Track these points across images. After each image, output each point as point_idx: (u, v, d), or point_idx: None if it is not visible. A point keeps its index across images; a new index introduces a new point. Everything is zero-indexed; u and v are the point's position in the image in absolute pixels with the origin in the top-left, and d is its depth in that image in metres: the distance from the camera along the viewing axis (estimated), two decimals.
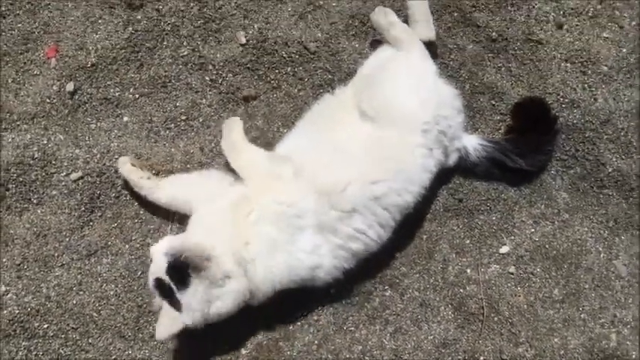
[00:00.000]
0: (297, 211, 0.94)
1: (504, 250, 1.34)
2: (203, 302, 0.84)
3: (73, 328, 1.08)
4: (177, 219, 1.00)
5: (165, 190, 1.05)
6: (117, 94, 1.22)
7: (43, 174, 1.13)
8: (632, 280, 1.27)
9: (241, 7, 1.27)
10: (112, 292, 1.09)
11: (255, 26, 1.29)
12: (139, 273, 1.10)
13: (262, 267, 0.94)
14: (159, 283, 0.84)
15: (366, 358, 1.19)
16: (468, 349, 1.24)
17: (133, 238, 1.12)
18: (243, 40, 1.28)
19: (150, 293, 0.90)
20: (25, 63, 1.17)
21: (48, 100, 1.15)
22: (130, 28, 1.23)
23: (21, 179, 1.12)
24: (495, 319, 1.25)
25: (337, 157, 0.98)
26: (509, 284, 1.29)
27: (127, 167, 1.08)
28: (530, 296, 1.28)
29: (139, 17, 1.24)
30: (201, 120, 1.25)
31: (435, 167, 1.07)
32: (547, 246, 1.30)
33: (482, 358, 1.25)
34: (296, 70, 1.29)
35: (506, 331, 1.26)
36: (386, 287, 1.23)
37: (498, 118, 1.31)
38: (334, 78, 1.23)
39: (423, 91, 1.03)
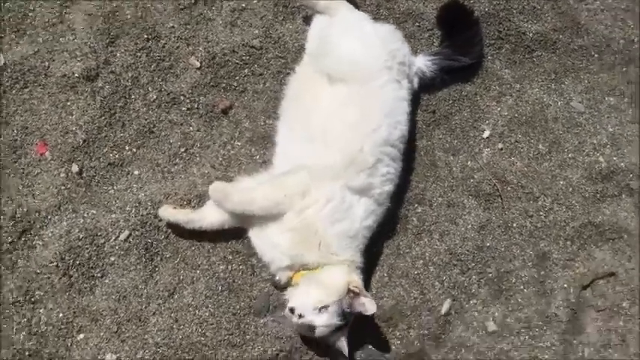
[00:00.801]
0: (337, 199, 1.92)
1: (486, 134, 2.67)
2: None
3: (190, 359, 2.13)
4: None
5: (214, 215, 1.98)
6: (116, 156, 2.11)
7: (95, 248, 1.97)
8: (591, 111, 2.74)
9: (180, 37, 2.37)
10: (206, 314, 1.88)
11: (201, 48, 2.40)
12: (220, 287, 1.97)
13: (350, 255, 1.99)
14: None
15: (430, 267, 2.42)
16: (501, 223, 2.51)
17: (199, 263, 1.95)
18: (198, 64, 2.40)
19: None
20: (24, 168, 1.93)
21: (63, 188, 1.95)
22: (98, 97, 2.14)
23: (78, 262, 1.94)
24: (509, 189, 2.57)
25: (335, 129, 1.95)
26: (504, 158, 2.61)
27: (169, 212, 1.96)
28: (524, 159, 2.62)
29: (100, 84, 2.20)
30: (198, 145, 2.24)
31: (408, 94, 2.12)
32: (516, 115, 2.67)
33: (514, 224, 2.56)
34: (252, 69, 2.38)
35: (522, 194, 2.57)
36: (415, 206, 2.43)
37: (428, 34, 2.60)
38: (287, 60, 2.17)
39: (370, 37, 2.04)
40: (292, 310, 1.87)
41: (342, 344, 1.95)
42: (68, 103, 2.07)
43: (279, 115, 2.13)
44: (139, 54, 2.13)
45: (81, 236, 1.92)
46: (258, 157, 2.18)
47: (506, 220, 2.28)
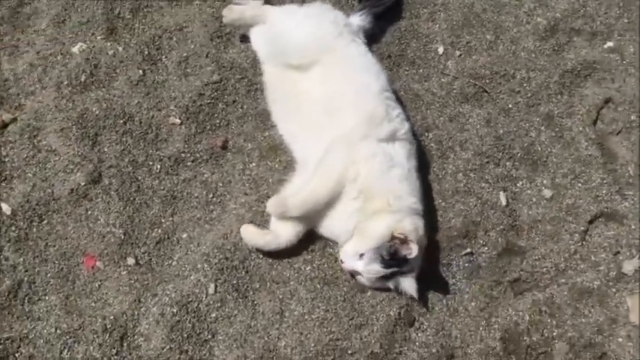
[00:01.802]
0: (378, 153, 2.38)
1: (441, 50, 3.18)
2: None
3: (332, 358, 2.39)
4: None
5: (286, 229, 2.41)
6: (159, 232, 2.50)
7: (193, 315, 2.30)
8: None
9: (150, 108, 2.69)
10: (322, 313, 2.33)
11: (172, 107, 2.76)
12: (317, 285, 2.40)
13: (411, 200, 2.41)
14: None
15: (470, 174, 2.81)
16: (499, 110, 2.99)
17: (287, 275, 2.41)
18: (178, 121, 2.74)
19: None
20: (85, 287, 2.33)
21: (131, 283, 2.34)
22: (112, 192, 2.49)
23: (185, 335, 2.26)
24: (487, 81, 3.07)
25: (334, 102, 2.45)
26: (466, 60, 3.13)
27: (250, 231, 2.42)
28: (483, 53, 3.15)
29: (107, 181, 2.50)
30: (221, 185, 2.62)
31: (366, 49, 2.77)
32: (453, 23, 3.21)
33: (510, 105, 3.04)
34: (225, 100, 2.82)
35: (500, 79, 3.09)
36: (426, 134, 2.87)
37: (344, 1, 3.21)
38: (249, 77, 2.82)
39: (309, 17, 2.68)
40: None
41: (407, 286, 2.39)
42: (89, 212, 2.37)
43: (276, 122, 2.50)
44: (123, 139, 2.49)
45: (175, 311, 2.22)
46: (277, 165, 2.58)
47: (501, 106, 2.78)
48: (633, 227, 2.75)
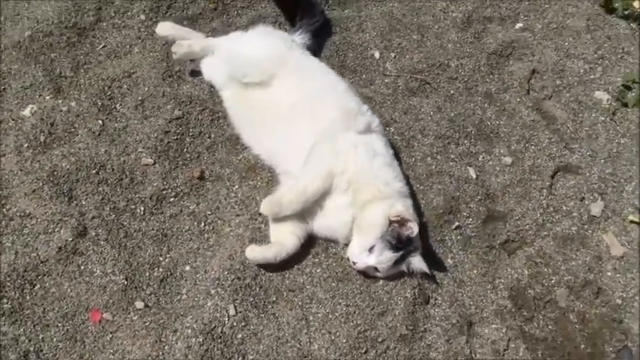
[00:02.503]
0: (360, 142, 2.54)
1: (377, 55, 3.44)
2: None
3: (365, 348, 2.41)
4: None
5: (288, 235, 2.48)
6: (160, 271, 2.43)
7: (219, 341, 2.25)
8: None
9: (118, 154, 2.68)
10: (343, 309, 2.38)
11: (140, 149, 2.74)
12: (332, 284, 2.47)
13: (398, 184, 2.57)
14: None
15: (437, 156, 3.02)
16: (444, 97, 3.25)
17: (301, 281, 2.44)
18: (151, 161, 2.71)
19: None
20: (96, 343, 2.22)
21: (147, 325, 2.26)
22: (102, 242, 2.43)
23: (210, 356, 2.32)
24: (427, 74, 3.35)
25: (304, 108, 2.59)
26: (405, 58, 3.34)
27: (256, 251, 2.44)
28: (414, 50, 3.41)
29: (94, 233, 2.45)
30: (209, 213, 2.60)
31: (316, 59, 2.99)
32: (381, 30, 3.45)
33: (452, 91, 3.31)
34: (191, 133, 2.83)
35: (437, 70, 3.33)
36: (387, 128, 3.05)
37: (282, 20, 3.37)
38: (209, 107, 2.91)
39: (256, 37, 2.87)
40: (349, 260, 2.51)
41: (416, 264, 2.55)
42: (83, 267, 2.35)
43: (249, 143, 2.60)
44: (100, 189, 2.52)
45: (201, 341, 2.24)
46: (259, 183, 2.67)
47: (445, 93, 3.07)
48: (588, 174, 3.04)
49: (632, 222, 2.93)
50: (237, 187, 2.75)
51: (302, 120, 2.64)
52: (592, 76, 3.45)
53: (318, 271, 2.58)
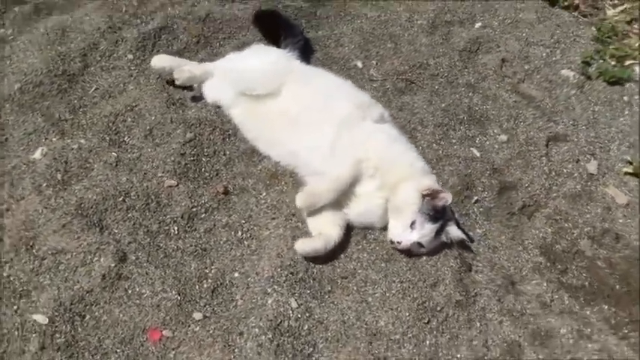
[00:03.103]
0: (378, 129, 2.75)
1: (360, 64, 3.65)
2: None
3: (427, 318, 2.47)
4: None
5: (330, 224, 2.59)
6: (210, 283, 2.41)
7: (287, 333, 2.30)
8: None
9: (141, 180, 2.71)
10: (398, 286, 2.49)
11: (160, 173, 2.78)
12: (381, 265, 2.57)
13: (420, 163, 2.76)
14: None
15: (441, 142, 3.21)
16: (431, 92, 3.50)
17: (351, 267, 2.53)
18: (174, 182, 2.73)
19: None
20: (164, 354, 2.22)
21: (210, 334, 2.27)
22: (144, 263, 2.45)
23: (290, 355, 2.25)
24: (409, 74, 3.60)
25: (316, 109, 2.73)
26: (386, 64, 3.61)
27: (306, 244, 2.51)
28: (395, 55, 3.69)
29: (133, 257, 2.43)
30: (243, 221, 2.63)
31: None
32: (359, 43, 3.68)
33: (436, 87, 3.57)
34: (206, 153, 2.87)
35: (420, 70, 3.60)
36: None
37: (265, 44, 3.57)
38: (219, 125, 3.01)
39: (258, 52, 3.02)
40: (393, 242, 2.62)
41: (454, 233, 2.69)
42: (130, 290, 2.37)
43: (267, 153, 2.71)
44: (129, 215, 2.54)
45: (270, 337, 2.38)
46: (285, 187, 2.72)
47: (430, 89, 3.34)
48: (576, 140, 3.31)
49: (626, 174, 3.19)
50: (264, 194, 2.81)
51: (317, 119, 2.76)
52: (554, 58, 3.78)
53: (365, 255, 2.65)
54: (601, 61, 3.79)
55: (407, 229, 2.59)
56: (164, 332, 2.33)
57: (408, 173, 2.67)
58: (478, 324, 2.52)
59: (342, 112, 2.77)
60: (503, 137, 3.28)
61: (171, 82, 3.15)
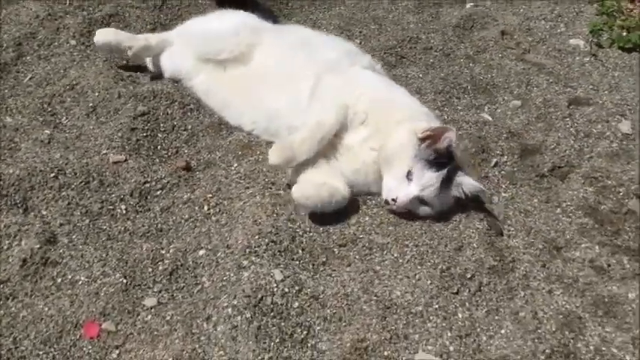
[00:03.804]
0: (368, 73, 2.34)
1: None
2: None
3: (457, 286, 1.92)
4: None
5: (339, 181, 2.11)
6: (167, 264, 1.86)
7: (272, 313, 1.76)
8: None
9: (78, 157, 2.20)
10: (413, 253, 1.99)
11: (104, 150, 2.27)
12: (394, 226, 2.09)
13: (415, 104, 2.30)
14: None
15: (438, 113, 2.77)
16: (427, 66, 3.12)
17: (355, 234, 2.04)
18: (122, 157, 2.23)
19: None
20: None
21: (167, 321, 1.73)
22: (82, 247, 1.88)
23: (277, 340, 1.71)
24: (400, 47, 3.22)
25: (298, 61, 2.32)
26: (371, 42, 3.27)
27: (305, 194, 2.02)
28: (380, 35, 3.35)
29: (70, 243, 1.90)
30: (210, 195, 2.11)
31: None
32: (340, 23, 3.40)
33: (434, 61, 3.19)
34: (163, 128, 2.39)
35: (411, 43, 3.26)
36: None
37: None
38: (177, 99, 2.52)
39: (225, 14, 2.64)
40: (388, 202, 2.12)
41: (468, 184, 2.17)
42: (59, 279, 1.90)
43: (238, 123, 2.36)
44: (63, 194, 2.12)
45: (249, 317, 1.79)
46: (261, 156, 2.29)
47: (425, 62, 3.17)
48: (600, 102, 2.87)
49: None
50: (235, 165, 2.31)
51: (300, 70, 2.33)
52: (559, 30, 3.42)
53: (367, 219, 2.12)
54: (610, 30, 3.45)
55: (403, 180, 2.08)
56: (104, 325, 1.75)
57: (406, 116, 2.20)
58: (522, 293, 1.97)
59: (327, 60, 2.35)
60: (517, 102, 2.84)
61: (121, 66, 2.72)
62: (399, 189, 2.08)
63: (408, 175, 2.08)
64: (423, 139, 2.10)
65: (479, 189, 2.16)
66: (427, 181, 2.07)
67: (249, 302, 1.77)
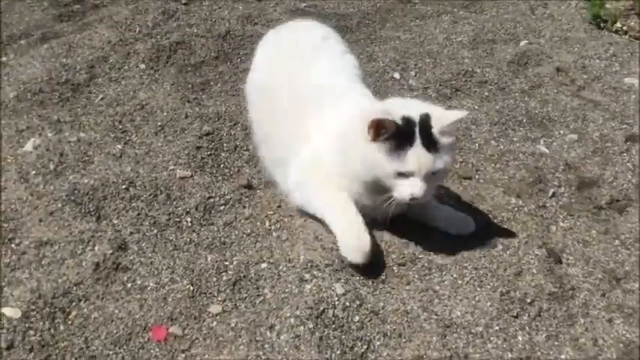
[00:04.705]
0: None
1: (397, 75, 3.38)
2: None
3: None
4: None
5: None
6: (231, 275, 1.91)
7: (333, 325, 1.80)
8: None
9: (147, 172, 2.30)
10: (472, 275, 2.03)
11: (171, 167, 2.37)
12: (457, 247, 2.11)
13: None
14: None
15: (493, 144, 2.82)
16: (482, 99, 3.18)
17: (415, 253, 2.08)
18: (188, 173, 2.31)
19: None
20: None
21: (231, 328, 1.77)
22: (151, 254, 1.96)
23: (338, 352, 1.74)
24: (455, 81, 3.28)
25: None
26: (425, 76, 3.34)
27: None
28: (434, 68, 3.42)
29: (139, 251, 1.99)
30: (271, 212, 2.18)
31: None
32: (395, 56, 3.50)
33: (488, 95, 3.24)
34: (226, 148, 2.49)
35: (466, 77, 3.32)
36: None
37: None
38: (240, 121, 2.67)
39: None
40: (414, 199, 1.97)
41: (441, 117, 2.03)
42: (129, 284, 1.98)
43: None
44: (133, 205, 2.26)
45: (311, 327, 1.87)
46: None
47: (479, 95, 3.25)
48: None
49: None
50: None
51: None
52: (614, 69, 3.45)
53: (427, 240, 2.15)
54: None
55: (403, 182, 1.93)
56: (171, 329, 1.81)
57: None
58: (582, 320, 1.96)
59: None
60: (573, 136, 2.86)
61: (188, 89, 2.86)
62: (407, 190, 1.93)
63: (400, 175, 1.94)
64: (375, 137, 1.94)
65: (459, 116, 2.05)
66: (418, 158, 1.92)
67: (312, 314, 1.81)
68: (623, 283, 2.15)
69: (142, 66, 3.03)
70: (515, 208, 2.40)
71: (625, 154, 2.75)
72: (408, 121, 1.95)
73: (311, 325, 1.78)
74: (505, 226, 2.29)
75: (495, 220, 2.32)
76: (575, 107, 3.06)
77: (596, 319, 1.98)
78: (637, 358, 1.88)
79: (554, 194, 2.50)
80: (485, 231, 2.25)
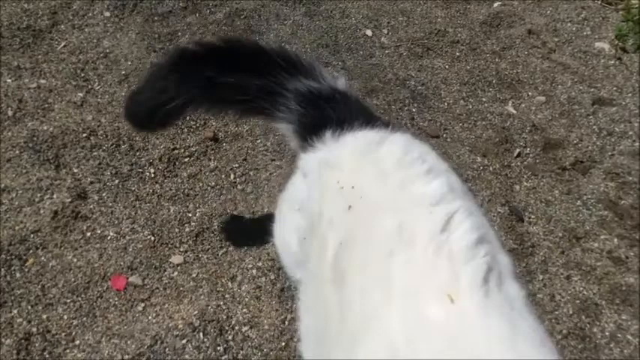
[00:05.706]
0: None
1: (369, 32, 3.36)
2: None
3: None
4: None
5: None
6: (194, 226, 1.91)
7: None
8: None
9: (109, 121, 2.25)
10: None
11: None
12: None
13: None
14: None
15: (462, 103, 2.83)
16: (453, 59, 3.18)
17: None
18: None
19: None
20: (127, 316, 1.63)
21: (193, 277, 1.71)
22: (112, 204, 1.92)
23: None
24: (427, 39, 3.27)
25: None
26: (398, 34, 3.33)
27: None
28: (407, 27, 3.41)
29: (99, 200, 1.94)
30: (236, 165, 2.19)
31: None
32: (368, 13, 3.47)
33: (460, 55, 3.24)
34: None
35: (438, 36, 3.33)
36: (405, 82, 2.87)
37: (265, 13, 3.25)
38: None
39: None
40: None
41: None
42: (89, 233, 1.86)
43: None
44: (94, 154, 2.12)
45: (273, 279, 1.72)
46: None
47: (451, 55, 3.06)
48: (624, 104, 2.90)
49: None
50: (262, 138, 2.35)
51: None
52: (585, 33, 3.45)
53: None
54: (636, 36, 3.47)
55: None
56: (131, 279, 1.79)
57: None
58: (540, 277, 2.00)
59: None
60: (541, 98, 2.87)
61: (154, 38, 2.78)
62: None
63: None
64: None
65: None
66: None
67: (274, 265, 1.81)
68: (583, 242, 2.19)
69: (107, 14, 2.93)
70: (481, 167, 2.41)
71: (591, 117, 2.78)
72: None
73: (272, 277, 1.78)
74: (469, 184, 2.31)
75: (460, 178, 2.33)
76: (544, 70, 3.07)
77: (555, 275, 2.02)
78: (592, 313, 1.93)
79: (519, 154, 2.52)
80: None
